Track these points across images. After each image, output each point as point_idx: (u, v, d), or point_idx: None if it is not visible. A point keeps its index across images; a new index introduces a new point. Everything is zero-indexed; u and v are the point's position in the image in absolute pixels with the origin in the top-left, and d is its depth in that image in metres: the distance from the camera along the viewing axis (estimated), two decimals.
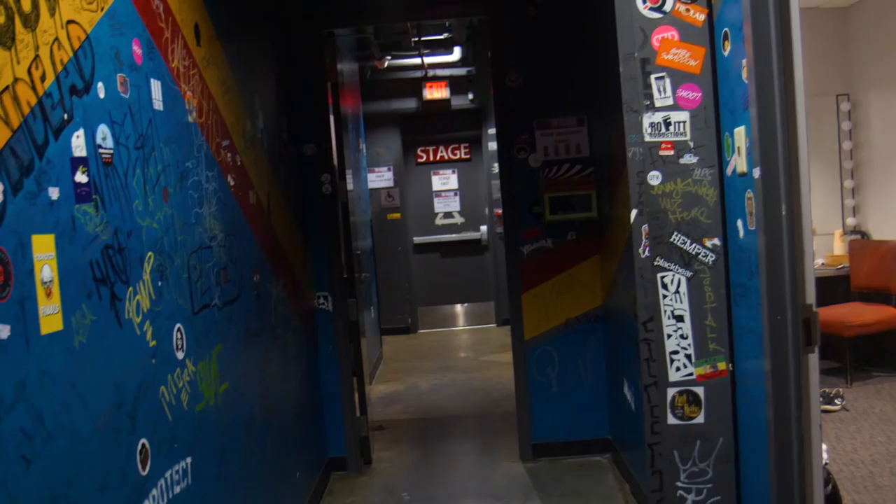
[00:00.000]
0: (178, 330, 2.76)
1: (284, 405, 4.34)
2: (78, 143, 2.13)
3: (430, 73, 10.40)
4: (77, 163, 2.12)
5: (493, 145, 10.27)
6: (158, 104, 2.74)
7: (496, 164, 10.15)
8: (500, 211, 9.59)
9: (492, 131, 10.40)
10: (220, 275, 3.28)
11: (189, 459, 2.76)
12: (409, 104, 10.73)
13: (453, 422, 6.62)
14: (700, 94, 2.81)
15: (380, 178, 10.79)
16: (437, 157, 11.22)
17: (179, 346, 2.76)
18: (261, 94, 4.29)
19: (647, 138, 2.84)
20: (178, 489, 2.65)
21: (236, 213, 3.62)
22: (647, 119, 2.82)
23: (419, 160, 11.24)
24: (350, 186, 5.89)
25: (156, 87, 2.73)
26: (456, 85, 10.60)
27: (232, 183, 3.58)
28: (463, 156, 11.20)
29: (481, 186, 11.09)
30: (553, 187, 5.34)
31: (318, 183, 5.34)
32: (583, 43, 5.26)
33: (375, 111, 10.49)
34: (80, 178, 2.13)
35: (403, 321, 10.81)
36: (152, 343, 2.53)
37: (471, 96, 10.67)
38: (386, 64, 9.83)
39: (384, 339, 9.92)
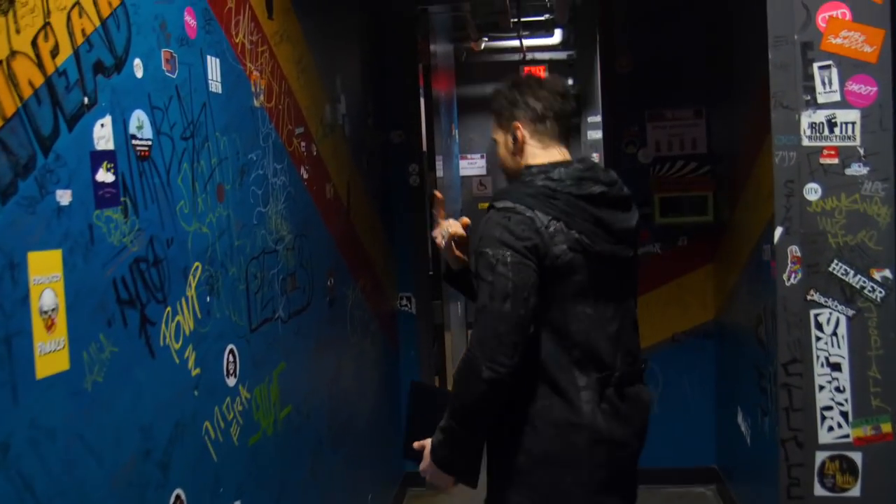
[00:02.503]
0: (231, 352, 2.35)
1: (358, 420, 3.93)
2: (102, 134, 1.71)
3: (529, 56, 9.87)
4: (100, 158, 1.70)
5: (592, 134, 9.70)
6: (216, 86, 2.32)
7: (595, 155, 9.59)
8: None
9: (591, 119, 9.83)
10: (286, 282, 2.86)
11: (238, 503, 2.35)
12: None
13: None
14: (875, 89, 2.26)
15: (472, 166, 10.34)
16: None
17: (231, 372, 2.34)
18: (343, 75, 3.86)
19: (806, 142, 2.30)
20: None
21: (309, 209, 3.20)
22: (806, 118, 2.28)
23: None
24: (440, 174, 5.44)
25: (213, 65, 2.31)
26: (555, 70, 10.04)
27: (305, 176, 3.15)
28: None
29: None
30: (664, 187, 4.79)
31: (405, 173, 4.91)
32: (705, 23, 4.68)
33: (470, 95, 10.00)
34: (104, 176, 1.71)
35: None
36: (195, 372, 2.12)
37: (570, 81, 10.11)
38: (482, 46, 9.32)
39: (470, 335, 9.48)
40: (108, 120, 1.74)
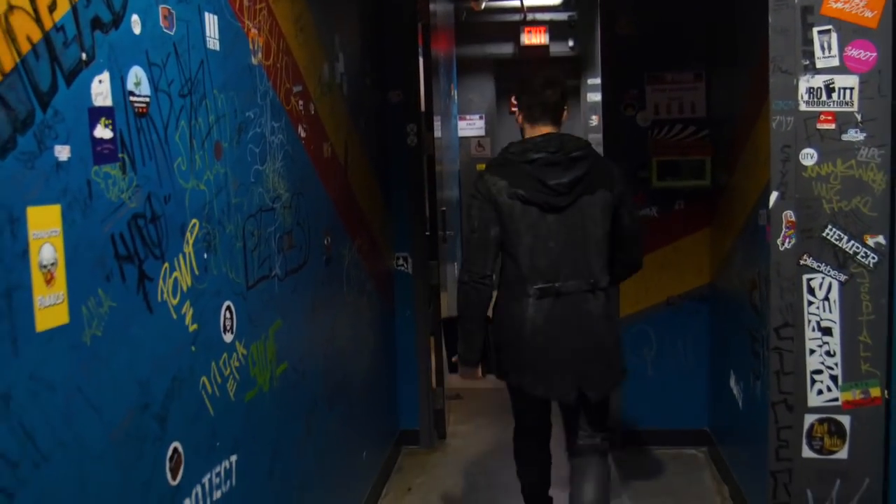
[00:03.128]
0: (228, 308, 2.37)
1: (354, 379, 3.96)
2: (100, 90, 1.72)
3: (529, 16, 9.80)
4: (98, 114, 1.70)
5: (592, 97, 9.66)
6: (213, 43, 2.31)
7: (594, 118, 9.56)
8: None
9: (591, 82, 9.79)
10: (283, 240, 2.87)
11: (234, 458, 2.38)
12: (506, 49, 10.16)
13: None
14: (874, 55, 2.26)
15: (471, 127, 10.30)
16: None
17: (228, 328, 2.36)
18: (342, 33, 3.84)
19: (803, 107, 2.31)
20: (218, 494, 2.28)
21: (307, 168, 3.20)
22: (805, 83, 2.29)
23: (513, 108, 10.71)
24: (438, 135, 5.43)
25: (211, 22, 2.30)
26: (556, 30, 9.97)
27: (303, 135, 3.15)
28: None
29: None
30: (663, 150, 4.79)
31: (402, 133, 4.89)
32: None
33: (469, 55, 9.94)
34: (102, 132, 1.72)
35: None
36: (192, 327, 2.13)
37: (571, 43, 10.05)
38: (483, 5, 9.26)
39: None
40: (105, 76, 1.74)
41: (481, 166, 10.79)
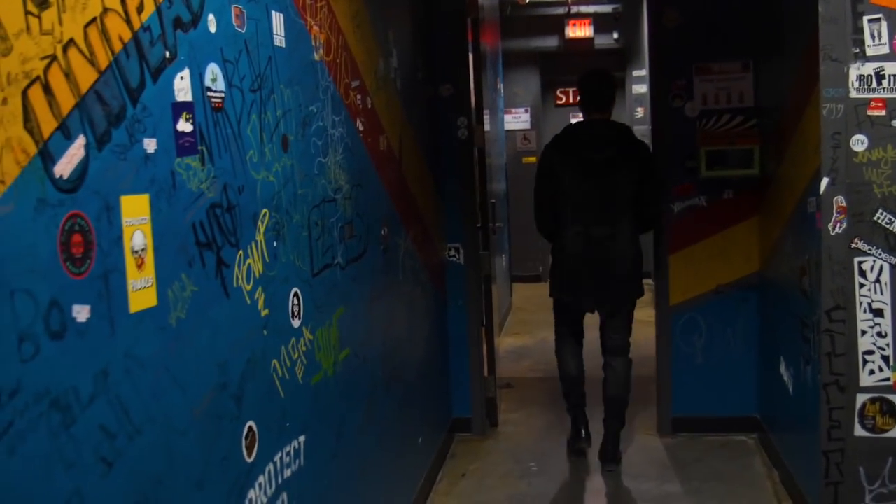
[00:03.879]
0: (295, 295, 2.47)
1: (409, 366, 4.06)
2: (182, 86, 1.82)
3: (574, 9, 9.83)
4: (180, 109, 1.81)
5: (637, 88, 9.67)
6: (280, 40, 2.42)
7: (640, 109, 9.57)
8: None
9: (636, 73, 9.80)
10: (343, 230, 2.98)
11: (302, 438, 2.49)
12: (550, 42, 10.21)
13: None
14: None
15: (516, 120, 10.36)
16: (578, 100, 10.67)
17: (296, 314, 2.47)
18: (395, 29, 3.94)
19: (854, 94, 2.35)
20: (288, 472, 2.38)
21: (364, 161, 3.30)
22: (855, 70, 2.34)
23: (558, 102, 10.75)
24: (487, 128, 5.51)
25: (277, 20, 2.40)
26: (600, 23, 10.00)
27: (361, 128, 3.25)
28: None
29: None
30: (711, 140, 4.82)
31: (453, 126, 4.98)
32: None
33: (514, 49, 10.00)
34: (183, 126, 1.83)
35: (534, 269, 10.44)
36: (264, 312, 2.24)
37: (615, 35, 10.06)
38: None
39: (514, 288, 9.59)
40: (186, 73, 1.85)
41: (529, 159, 10.89)
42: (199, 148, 1.89)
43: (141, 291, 1.64)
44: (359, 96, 3.23)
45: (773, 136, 4.49)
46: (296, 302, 2.48)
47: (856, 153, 2.38)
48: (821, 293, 2.54)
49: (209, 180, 1.93)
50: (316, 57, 2.73)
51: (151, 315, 1.68)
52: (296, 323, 2.47)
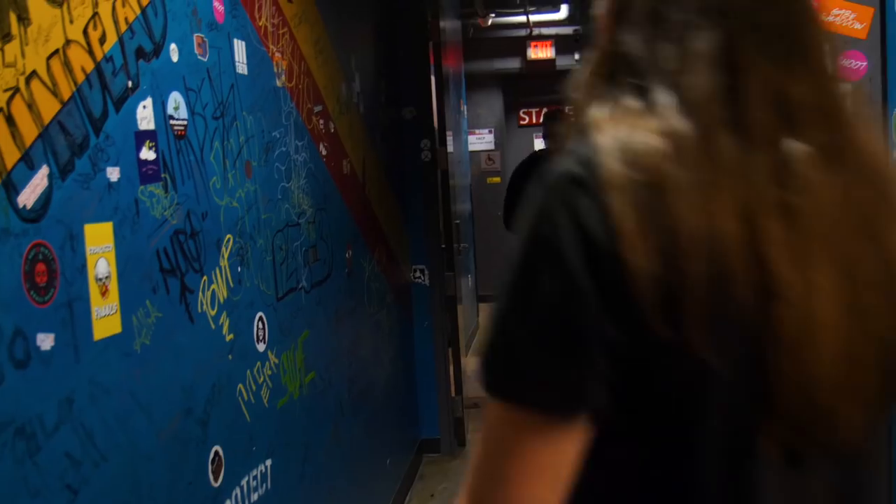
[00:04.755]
0: (260, 319, 2.49)
1: (376, 388, 4.07)
2: (144, 115, 1.85)
3: (535, 31, 9.93)
4: (143, 137, 1.83)
5: None
6: (242, 67, 2.44)
7: None
8: None
9: None
10: (308, 254, 3.00)
11: (269, 462, 2.50)
12: (513, 64, 10.30)
13: None
14: (865, 64, 2.37)
15: (480, 141, 10.43)
16: (541, 120, 10.78)
17: (261, 338, 2.48)
18: (357, 54, 3.97)
19: None
20: (255, 496, 2.39)
21: (328, 185, 3.32)
22: None
23: (521, 122, 10.84)
24: (450, 149, 5.56)
25: (239, 48, 2.43)
26: (562, 44, 10.11)
27: (324, 152, 3.28)
28: None
29: None
30: None
31: (417, 149, 5.02)
32: None
33: (477, 70, 10.08)
34: (147, 154, 1.84)
35: None
36: (229, 337, 2.26)
37: (577, 56, 10.17)
38: (489, 21, 9.40)
39: (481, 308, 9.62)
40: (149, 101, 1.87)
41: (493, 179, 10.96)
42: (163, 175, 1.91)
43: (105, 319, 1.65)
44: (321, 121, 3.26)
45: None
46: (261, 326, 2.49)
47: None
48: None
49: (173, 207, 1.95)
50: (278, 83, 2.76)
51: (116, 342, 1.69)
52: (261, 347, 2.49)
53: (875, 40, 2.39)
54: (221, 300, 2.21)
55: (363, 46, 4.17)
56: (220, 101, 2.26)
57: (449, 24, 6.86)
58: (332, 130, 3.43)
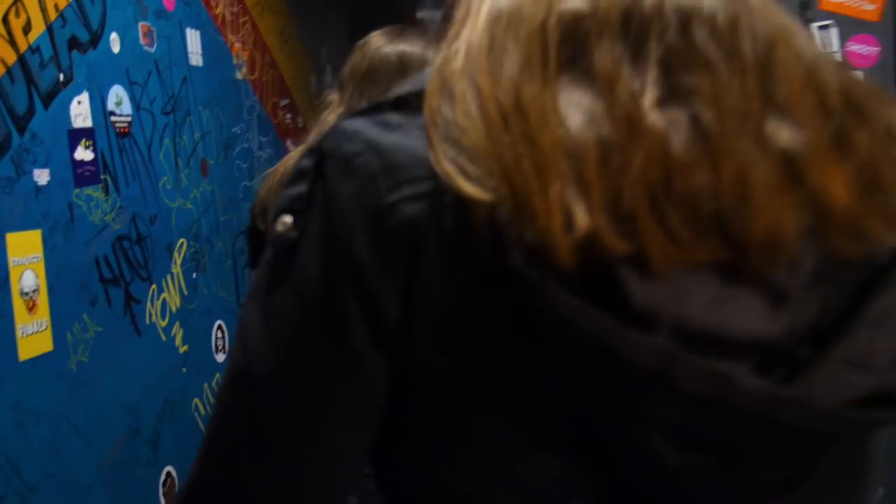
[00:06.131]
0: (219, 328, 2.33)
1: None
2: (80, 111, 1.69)
3: None
4: (78, 135, 1.67)
5: None
6: (196, 58, 2.28)
7: None
8: None
9: None
10: None
11: None
12: None
13: None
14: (877, 49, 2.21)
15: None
16: None
17: (220, 348, 2.33)
18: (329, 44, 3.81)
19: None
20: None
21: None
22: None
23: None
24: None
25: (193, 38, 2.27)
26: None
27: (292, 148, 3.12)
28: None
29: None
30: None
31: None
32: None
33: None
34: (83, 154, 1.69)
35: None
36: (183, 349, 2.10)
37: None
38: None
39: None
40: (85, 97, 1.71)
41: None
42: (103, 177, 1.75)
43: (33, 336, 1.50)
44: (288, 115, 3.10)
45: None
46: (220, 335, 2.34)
47: None
48: None
49: (115, 211, 1.79)
50: (239, 75, 2.60)
51: (46, 361, 1.53)
52: (221, 357, 2.33)
53: (888, 23, 2.23)
54: (174, 309, 2.05)
55: (335, 37, 4.00)
56: (170, 94, 2.10)
57: (427, 15, 6.69)
58: (301, 124, 3.26)
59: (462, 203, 0.51)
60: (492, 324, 0.53)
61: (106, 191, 1.76)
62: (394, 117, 0.56)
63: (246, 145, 2.62)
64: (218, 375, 2.30)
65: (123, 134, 1.85)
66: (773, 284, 0.51)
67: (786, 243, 0.50)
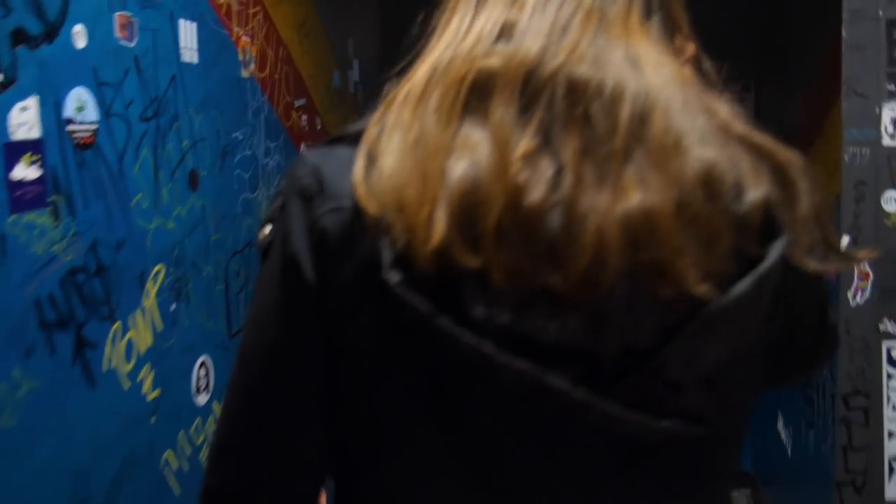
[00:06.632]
0: (202, 365, 2.03)
1: None
2: (23, 120, 1.38)
3: None
4: (18, 150, 1.37)
5: None
6: (190, 55, 1.98)
7: None
8: None
9: None
10: None
11: None
12: None
13: None
14: None
15: None
16: None
17: (203, 388, 2.03)
18: (357, 37, 3.50)
19: (887, 140, 1.93)
20: None
21: None
22: (890, 111, 1.91)
23: None
24: None
25: (187, 30, 1.96)
26: None
27: None
28: None
29: None
30: None
31: None
32: None
33: None
34: (24, 172, 1.38)
35: None
36: (153, 395, 1.80)
37: None
38: None
39: None
40: (32, 102, 1.41)
41: None
42: (51, 199, 1.45)
43: None
44: (305, 116, 2.79)
45: None
46: (203, 373, 2.04)
47: (888, 214, 1.95)
48: (836, 372, 2.12)
49: (66, 239, 1.49)
50: (244, 73, 2.30)
51: None
52: (202, 399, 2.03)
53: None
54: (143, 350, 1.75)
55: (365, 29, 3.69)
56: (153, 96, 1.80)
57: None
58: (320, 126, 2.96)
59: (362, 214, 0.65)
60: (365, 313, 0.67)
61: (55, 215, 1.46)
62: (341, 149, 0.71)
63: (249, 152, 2.32)
64: (199, 420, 2.01)
65: (85, 145, 1.55)
66: (594, 310, 0.63)
67: (607, 279, 0.62)
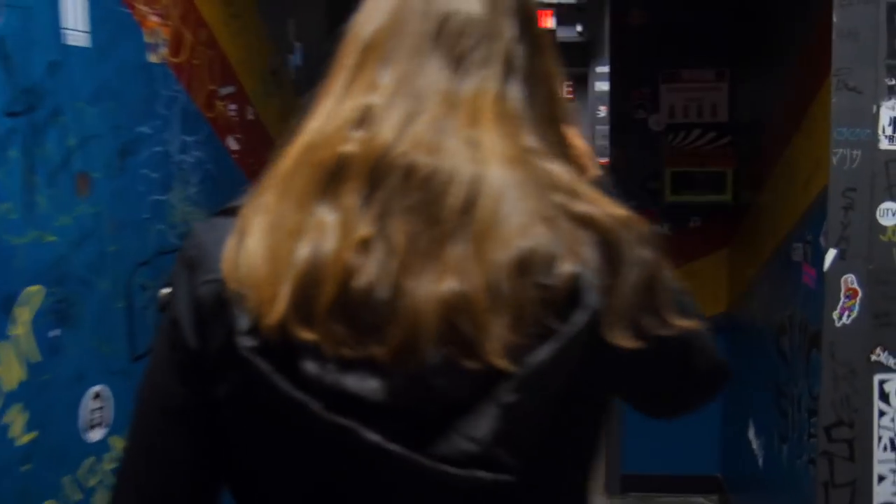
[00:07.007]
0: (96, 396, 1.76)
1: None
2: None
3: None
4: None
5: (600, 86, 9.03)
6: (78, 38, 1.69)
7: (602, 108, 8.93)
8: (605, 160, 8.37)
9: (600, 70, 9.16)
10: None
11: None
12: None
13: None
14: None
15: None
16: None
17: (96, 423, 1.76)
18: (300, 18, 3.21)
19: (885, 143, 1.68)
20: None
21: (241, 188, 2.58)
22: (889, 111, 1.66)
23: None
24: None
25: (73, 8, 1.67)
26: (563, 14, 9.30)
27: (236, 147, 2.53)
28: (565, 94, 9.97)
29: (584, 130, 9.86)
30: (678, 159, 4.15)
31: None
32: None
33: None
34: None
35: None
36: (25, 439, 1.53)
37: (579, 28, 9.38)
38: None
39: None
40: None
41: None
42: None
43: None
44: (233, 106, 2.51)
45: (752, 158, 3.84)
46: (97, 405, 1.76)
47: (884, 228, 1.71)
48: (820, 404, 1.88)
49: None
50: (153, 58, 2.01)
51: None
52: (96, 435, 1.76)
53: None
54: (12, 387, 1.48)
55: (309, 8, 3.40)
56: (22, 87, 1.52)
57: None
58: (252, 117, 2.68)
59: (224, 286, 0.74)
60: (231, 372, 0.75)
61: None
62: (227, 222, 0.78)
63: (159, 148, 2.04)
64: (91, 460, 1.74)
65: None
66: (416, 373, 0.70)
67: (422, 352, 0.69)
